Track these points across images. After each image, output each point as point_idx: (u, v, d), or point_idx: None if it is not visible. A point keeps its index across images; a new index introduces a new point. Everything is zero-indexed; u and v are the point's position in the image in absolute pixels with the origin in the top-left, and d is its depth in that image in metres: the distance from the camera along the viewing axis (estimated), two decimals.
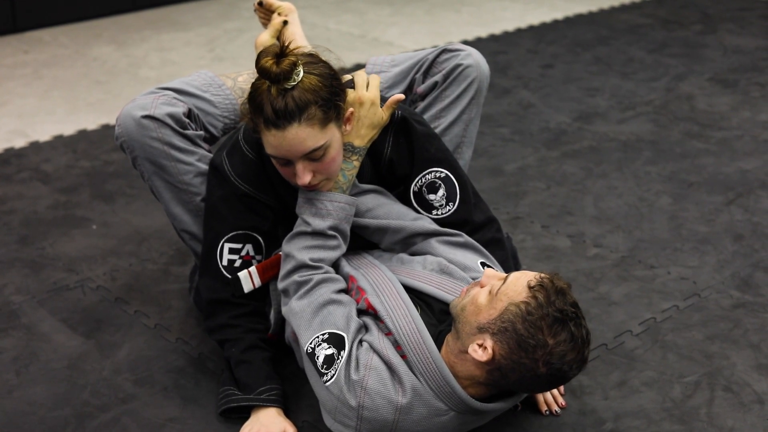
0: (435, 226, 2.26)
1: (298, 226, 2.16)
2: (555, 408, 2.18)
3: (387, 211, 2.25)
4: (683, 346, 2.43)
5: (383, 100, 2.22)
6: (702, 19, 5.42)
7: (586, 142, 3.73)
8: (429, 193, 2.28)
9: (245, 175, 2.22)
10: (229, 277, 2.25)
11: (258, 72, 2.00)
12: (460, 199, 2.29)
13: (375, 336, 1.99)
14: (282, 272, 2.15)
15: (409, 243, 2.26)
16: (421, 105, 2.44)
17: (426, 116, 2.41)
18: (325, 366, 1.97)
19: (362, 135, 2.17)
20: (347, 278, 2.16)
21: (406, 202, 2.29)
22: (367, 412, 1.91)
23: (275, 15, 2.66)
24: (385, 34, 5.32)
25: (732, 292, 2.67)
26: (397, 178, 2.28)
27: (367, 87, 2.19)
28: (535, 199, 3.26)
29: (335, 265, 2.19)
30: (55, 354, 2.43)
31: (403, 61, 2.49)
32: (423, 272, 2.15)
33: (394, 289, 2.07)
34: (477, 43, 4.99)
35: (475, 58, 2.41)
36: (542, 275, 1.89)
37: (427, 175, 2.27)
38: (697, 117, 3.97)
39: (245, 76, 2.49)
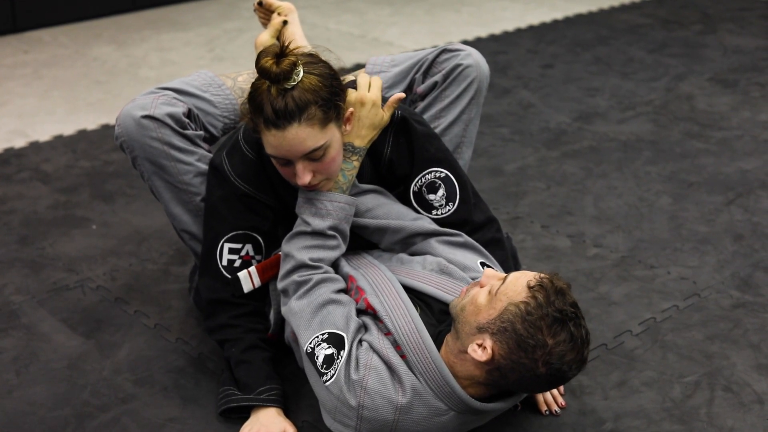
0: (435, 226, 2.26)
1: (298, 226, 2.16)
2: (555, 408, 2.18)
3: (387, 211, 2.25)
4: (683, 346, 2.43)
5: (383, 100, 2.22)
6: (702, 19, 5.42)
7: (586, 142, 3.73)
8: (429, 193, 2.28)
9: (245, 175, 2.22)
10: (229, 277, 2.25)
11: (258, 72, 2.00)
12: (459, 199, 2.29)
13: (374, 336, 1.99)
14: (281, 272, 2.15)
15: (408, 243, 2.26)
16: (421, 105, 2.44)
17: (426, 116, 2.41)
18: (324, 366, 1.97)
19: (363, 135, 2.17)
20: (347, 278, 2.16)
21: (406, 202, 2.29)
22: (366, 411, 1.91)
23: (275, 15, 2.67)
24: (385, 34, 5.32)
25: (732, 292, 2.67)
26: (397, 178, 2.28)
27: (369, 88, 2.19)
28: (535, 199, 3.26)
29: (335, 265, 2.19)
30: (55, 354, 2.43)
31: (403, 61, 2.49)
32: (422, 272, 2.15)
33: (393, 289, 2.07)
34: (477, 43, 4.99)
35: (474, 58, 2.41)
36: (542, 275, 1.89)
37: (426, 175, 2.27)
38: (697, 117, 3.97)
39: (245, 76, 2.49)
